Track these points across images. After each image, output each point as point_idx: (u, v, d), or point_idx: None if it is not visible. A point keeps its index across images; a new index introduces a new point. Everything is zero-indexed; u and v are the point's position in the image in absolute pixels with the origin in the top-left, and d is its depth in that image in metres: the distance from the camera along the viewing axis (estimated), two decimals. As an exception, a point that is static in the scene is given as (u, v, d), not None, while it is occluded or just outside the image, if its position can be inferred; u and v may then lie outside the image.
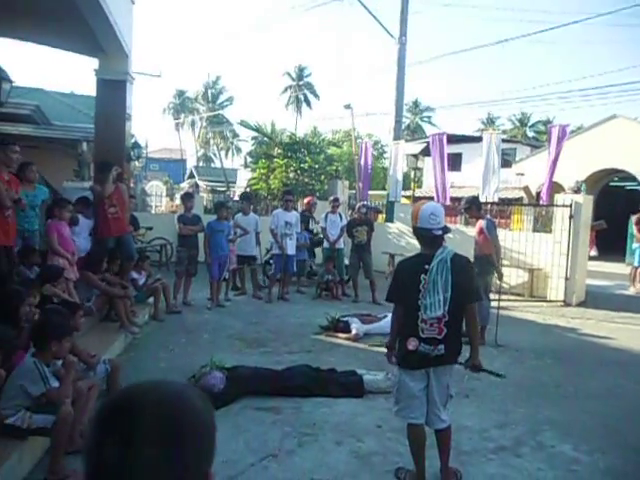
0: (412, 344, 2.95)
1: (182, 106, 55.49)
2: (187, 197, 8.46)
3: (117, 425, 0.72)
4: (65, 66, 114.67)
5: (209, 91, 53.19)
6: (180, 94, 55.25)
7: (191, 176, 41.40)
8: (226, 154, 52.88)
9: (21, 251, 4.99)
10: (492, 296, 6.66)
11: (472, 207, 6.57)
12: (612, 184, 20.53)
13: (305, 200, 11.25)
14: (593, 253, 11.80)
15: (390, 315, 4.66)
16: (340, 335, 6.39)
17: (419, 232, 3.05)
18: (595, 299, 9.48)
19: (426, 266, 2.92)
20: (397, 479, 3.18)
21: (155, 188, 21.70)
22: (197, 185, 34.36)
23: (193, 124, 53.19)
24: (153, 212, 16.98)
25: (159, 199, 19.65)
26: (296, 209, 10.08)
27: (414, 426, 3.05)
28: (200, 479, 0.75)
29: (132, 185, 10.75)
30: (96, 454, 0.71)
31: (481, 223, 6.46)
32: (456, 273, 2.91)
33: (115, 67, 6.66)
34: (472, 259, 5.26)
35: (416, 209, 3.09)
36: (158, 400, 0.74)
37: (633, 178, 18.55)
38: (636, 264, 10.58)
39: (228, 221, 8.41)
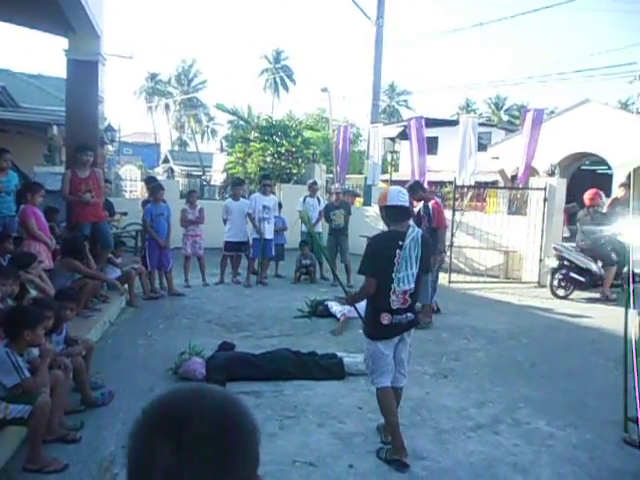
0: (386, 318, 3.20)
1: (154, 89, 54.23)
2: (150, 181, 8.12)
3: (171, 429, 0.69)
4: (33, 47, 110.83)
5: (183, 74, 52.07)
6: (153, 77, 53.93)
7: (166, 160, 40.74)
8: (202, 138, 52.10)
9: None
10: (441, 275, 7.35)
11: (417, 191, 6.54)
12: (583, 168, 20.91)
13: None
14: (565, 234, 12.15)
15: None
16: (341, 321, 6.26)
17: (390, 210, 3.32)
18: (568, 280, 9.71)
19: (400, 242, 3.19)
20: (379, 459, 3.23)
21: (129, 173, 21.28)
22: (172, 170, 33.85)
23: (167, 107, 52.07)
24: (128, 197, 16.69)
25: (134, 184, 19.29)
26: (274, 193, 10.01)
27: (386, 388, 3.27)
28: None
29: (105, 170, 10.50)
30: (148, 458, 0.68)
31: (436, 199, 6.79)
32: (424, 251, 3.25)
33: (86, 47, 6.41)
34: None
35: (384, 193, 3.44)
36: (209, 404, 0.73)
37: (604, 162, 18.93)
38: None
39: (195, 207, 8.19)
